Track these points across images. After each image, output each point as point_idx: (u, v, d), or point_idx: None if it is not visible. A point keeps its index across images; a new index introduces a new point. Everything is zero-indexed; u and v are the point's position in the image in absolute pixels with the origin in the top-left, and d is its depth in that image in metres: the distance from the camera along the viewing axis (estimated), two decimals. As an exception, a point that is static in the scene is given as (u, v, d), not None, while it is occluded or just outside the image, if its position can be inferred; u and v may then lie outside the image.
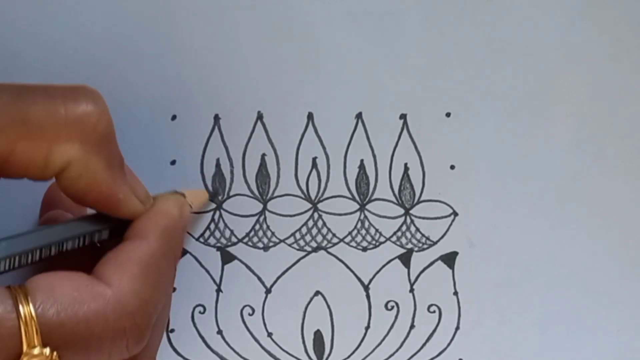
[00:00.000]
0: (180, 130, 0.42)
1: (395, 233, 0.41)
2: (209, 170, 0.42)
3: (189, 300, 0.41)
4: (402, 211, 0.42)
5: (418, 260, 0.41)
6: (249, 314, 0.41)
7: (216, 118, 0.42)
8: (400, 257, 0.41)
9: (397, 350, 0.41)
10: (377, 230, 0.42)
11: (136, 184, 0.35)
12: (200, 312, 0.41)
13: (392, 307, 0.41)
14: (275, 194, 0.42)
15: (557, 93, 0.43)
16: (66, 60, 0.42)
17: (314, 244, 0.41)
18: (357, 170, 0.42)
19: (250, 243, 0.41)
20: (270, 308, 0.41)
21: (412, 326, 0.41)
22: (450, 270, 0.41)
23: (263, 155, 0.42)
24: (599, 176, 0.42)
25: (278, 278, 0.41)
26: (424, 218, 0.42)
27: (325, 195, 0.42)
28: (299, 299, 0.41)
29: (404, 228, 0.41)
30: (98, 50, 0.42)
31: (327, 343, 0.41)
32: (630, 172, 0.41)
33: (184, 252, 0.41)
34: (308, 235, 0.42)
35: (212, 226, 0.42)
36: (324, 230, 0.41)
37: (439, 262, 0.41)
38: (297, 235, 0.42)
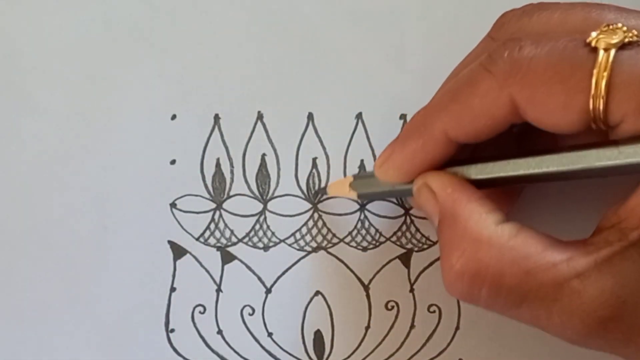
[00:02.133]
0: (180, 130, 0.42)
1: (395, 233, 0.41)
2: (209, 170, 0.42)
3: (189, 300, 0.41)
4: (402, 211, 0.42)
5: (418, 260, 0.41)
6: (249, 314, 0.41)
7: (216, 118, 0.42)
8: (400, 257, 0.41)
9: (397, 350, 0.41)
10: (377, 230, 0.42)
11: None
12: (200, 312, 0.41)
13: (392, 307, 0.41)
14: (276, 194, 0.42)
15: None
16: (66, 60, 0.42)
17: (314, 244, 0.41)
18: (358, 170, 0.42)
19: (250, 243, 0.41)
20: (270, 308, 0.41)
21: (412, 326, 0.41)
22: (450, 270, 0.41)
23: (263, 155, 0.42)
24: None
25: (278, 278, 0.41)
26: (424, 218, 0.42)
27: (325, 195, 0.42)
28: (299, 299, 0.41)
29: (404, 228, 0.42)
30: (98, 50, 0.42)
31: (327, 343, 0.41)
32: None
33: (184, 252, 0.41)
34: (308, 235, 0.42)
35: (212, 226, 0.42)
36: (324, 230, 0.41)
37: (439, 262, 0.41)
38: (297, 235, 0.42)
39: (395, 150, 0.36)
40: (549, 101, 0.31)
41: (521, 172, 0.33)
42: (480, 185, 0.35)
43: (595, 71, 0.30)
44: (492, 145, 0.35)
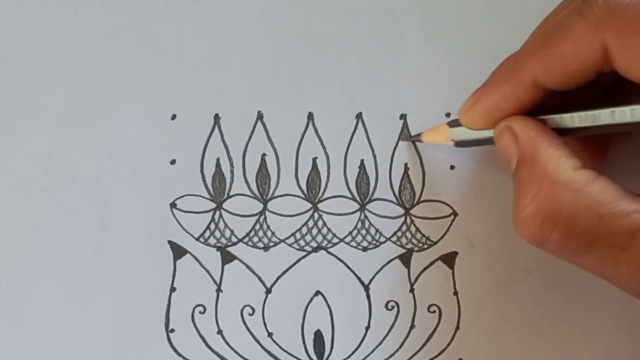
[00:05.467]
0: (180, 130, 0.42)
1: (395, 233, 0.41)
2: (209, 170, 0.42)
3: (189, 300, 0.41)
4: (402, 211, 0.42)
5: (418, 260, 0.41)
6: (249, 314, 0.41)
7: (216, 118, 0.42)
8: (400, 257, 0.41)
9: (397, 350, 0.41)
10: (377, 230, 0.42)
11: None
12: (200, 312, 0.41)
13: (392, 307, 0.41)
14: (276, 194, 0.42)
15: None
16: (66, 60, 0.42)
17: (314, 244, 0.41)
18: (357, 170, 0.42)
19: (250, 243, 0.41)
20: (270, 308, 0.41)
21: (412, 326, 0.41)
22: (450, 270, 0.41)
23: (263, 155, 0.42)
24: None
25: (278, 278, 0.41)
26: (424, 218, 0.42)
27: (325, 195, 0.42)
28: (299, 299, 0.41)
29: (404, 228, 0.42)
30: (98, 50, 0.42)
31: (327, 343, 0.41)
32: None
33: (184, 252, 0.41)
34: (308, 235, 0.42)
35: (212, 226, 0.42)
36: (324, 230, 0.41)
37: (439, 262, 0.41)
38: (297, 235, 0.42)
39: (481, 96, 0.36)
40: None
41: (604, 121, 0.34)
42: (562, 133, 0.35)
43: None
44: (577, 96, 0.35)
